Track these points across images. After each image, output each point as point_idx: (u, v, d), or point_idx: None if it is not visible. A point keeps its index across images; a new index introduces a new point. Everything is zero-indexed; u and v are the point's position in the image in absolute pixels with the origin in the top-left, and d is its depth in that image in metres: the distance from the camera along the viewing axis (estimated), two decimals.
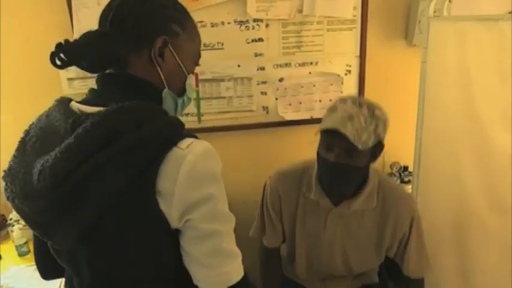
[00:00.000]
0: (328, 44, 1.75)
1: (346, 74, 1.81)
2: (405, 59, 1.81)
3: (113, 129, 0.63)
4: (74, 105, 0.72)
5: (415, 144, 1.53)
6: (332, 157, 1.12)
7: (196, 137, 0.71)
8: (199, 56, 0.83)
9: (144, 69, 0.73)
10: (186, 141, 0.67)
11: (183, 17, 0.78)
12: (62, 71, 1.63)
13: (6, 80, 1.67)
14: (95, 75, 0.75)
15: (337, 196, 1.24)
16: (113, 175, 0.63)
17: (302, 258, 1.35)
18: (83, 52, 0.69)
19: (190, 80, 0.81)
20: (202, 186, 0.67)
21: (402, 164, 1.92)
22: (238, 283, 0.71)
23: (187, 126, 0.73)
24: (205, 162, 0.67)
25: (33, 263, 0.89)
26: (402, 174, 1.91)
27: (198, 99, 0.96)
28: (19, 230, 1.55)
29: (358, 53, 1.78)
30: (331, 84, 1.81)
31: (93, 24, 0.75)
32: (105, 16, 0.73)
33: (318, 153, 1.19)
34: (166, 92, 0.76)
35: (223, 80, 1.75)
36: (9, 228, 1.62)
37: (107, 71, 0.74)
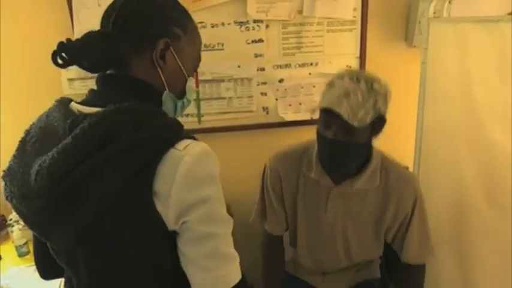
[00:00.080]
0: (328, 45, 1.75)
1: None
2: (405, 60, 1.81)
3: (111, 129, 0.63)
4: (74, 105, 0.72)
5: (415, 144, 1.53)
6: (330, 134, 1.11)
7: (194, 138, 0.70)
8: (199, 59, 0.83)
9: (145, 71, 0.73)
10: (184, 143, 0.67)
11: (185, 20, 0.78)
12: (62, 72, 1.65)
13: (6, 80, 1.67)
14: (96, 75, 0.75)
15: (339, 175, 1.22)
16: (111, 175, 0.62)
17: (303, 243, 1.33)
18: (85, 52, 0.69)
19: (191, 83, 0.81)
20: (199, 187, 0.66)
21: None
22: (235, 286, 0.71)
23: (187, 126, 0.73)
24: (202, 163, 0.67)
25: (33, 263, 0.89)
26: None
27: (198, 100, 0.97)
28: (19, 231, 1.55)
29: (358, 54, 1.78)
30: None
31: (93, 25, 0.75)
32: (108, 17, 0.73)
33: (317, 131, 1.17)
34: (166, 94, 0.76)
35: (223, 81, 1.75)
36: (9, 229, 1.62)
37: (108, 72, 0.74)
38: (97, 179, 0.62)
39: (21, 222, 1.52)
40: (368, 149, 1.20)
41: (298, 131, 1.84)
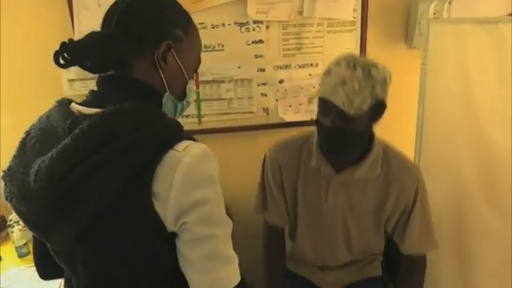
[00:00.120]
0: (328, 46, 1.75)
1: None
2: (405, 61, 1.80)
3: (110, 130, 0.63)
4: (74, 106, 0.72)
5: (415, 146, 1.53)
6: (328, 122, 1.10)
7: (194, 139, 0.70)
8: (199, 61, 0.84)
9: (146, 73, 0.74)
10: (183, 144, 0.67)
11: (186, 23, 0.78)
12: (62, 72, 1.65)
13: (6, 81, 1.67)
14: (96, 76, 0.75)
15: (339, 163, 1.21)
16: (111, 175, 0.63)
17: (304, 234, 1.32)
18: (86, 52, 0.69)
19: (191, 85, 0.82)
20: (197, 189, 0.66)
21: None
22: None
23: (187, 127, 0.73)
24: (201, 164, 0.67)
25: (33, 264, 0.89)
26: None
27: (198, 101, 0.97)
28: (19, 231, 1.55)
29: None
30: None
31: (94, 26, 0.75)
32: (110, 18, 0.73)
33: (316, 119, 1.16)
34: (167, 97, 0.76)
35: (223, 82, 1.75)
36: (9, 230, 1.62)
37: (108, 73, 0.74)
38: (97, 179, 0.62)
39: (21, 223, 1.52)
40: (368, 136, 1.18)
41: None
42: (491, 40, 1.28)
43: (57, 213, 0.64)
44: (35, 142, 0.69)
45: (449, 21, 1.43)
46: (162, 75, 0.75)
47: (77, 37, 0.70)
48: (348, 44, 1.76)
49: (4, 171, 0.69)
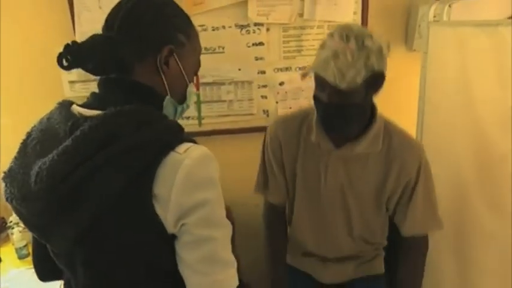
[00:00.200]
0: None
1: None
2: (405, 64, 1.81)
3: (111, 132, 0.64)
4: (75, 108, 0.72)
5: None
6: (324, 97, 1.08)
7: (194, 142, 0.71)
8: (199, 64, 0.85)
9: (147, 76, 0.74)
10: (184, 146, 0.67)
11: (188, 27, 0.79)
12: (63, 74, 1.65)
13: (6, 82, 1.67)
14: (97, 78, 0.75)
15: (339, 138, 1.18)
16: (111, 176, 0.63)
17: (304, 216, 1.30)
18: (88, 54, 0.70)
19: (191, 88, 0.82)
20: (198, 190, 0.67)
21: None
22: None
23: (187, 129, 0.73)
24: (202, 166, 0.67)
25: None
26: None
27: (198, 103, 0.97)
28: (19, 233, 1.55)
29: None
30: None
31: (95, 28, 0.76)
32: (112, 20, 0.73)
33: (314, 95, 1.14)
34: (168, 100, 0.77)
35: (223, 84, 1.76)
36: (9, 231, 1.62)
37: (110, 76, 0.75)
38: (97, 180, 0.63)
39: (22, 225, 1.52)
40: (368, 109, 1.15)
41: None
42: (491, 43, 1.28)
43: (58, 215, 0.64)
44: (35, 143, 0.69)
45: (449, 24, 1.43)
46: (164, 79, 0.75)
47: (78, 39, 0.70)
48: None
49: (4, 173, 0.69)
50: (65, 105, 0.73)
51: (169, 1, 0.78)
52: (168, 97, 0.76)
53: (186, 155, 0.66)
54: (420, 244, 1.28)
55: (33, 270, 0.89)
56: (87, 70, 0.71)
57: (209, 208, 0.68)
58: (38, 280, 0.90)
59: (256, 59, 1.74)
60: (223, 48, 1.71)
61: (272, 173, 1.33)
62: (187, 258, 0.69)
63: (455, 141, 1.43)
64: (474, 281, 1.46)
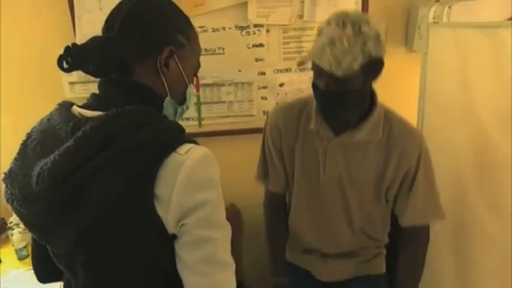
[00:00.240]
0: None
1: None
2: (405, 65, 1.81)
3: (112, 133, 0.64)
4: (75, 109, 0.72)
5: None
6: (322, 84, 1.08)
7: (195, 142, 0.71)
8: (199, 65, 0.85)
9: (148, 77, 0.74)
10: (185, 147, 0.68)
11: (188, 28, 0.79)
12: (63, 75, 1.65)
13: (6, 81, 1.67)
14: (97, 79, 0.76)
15: (339, 126, 1.17)
16: (111, 177, 0.63)
17: (303, 206, 1.30)
18: (88, 57, 0.70)
19: (191, 89, 0.83)
20: (199, 191, 0.67)
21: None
22: None
23: (187, 130, 0.73)
24: (203, 167, 0.68)
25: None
26: None
27: (198, 104, 0.97)
28: (19, 234, 1.55)
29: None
30: None
31: (95, 29, 0.76)
32: (112, 21, 0.74)
33: (312, 82, 1.14)
34: (168, 101, 0.77)
35: (223, 85, 1.76)
36: (9, 232, 1.62)
37: (110, 77, 0.75)
38: (98, 181, 0.63)
39: (22, 226, 1.52)
40: (367, 96, 1.14)
41: None
42: (491, 44, 1.28)
43: (59, 216, 0.65)
44: (36, 144, 0.69)
45: (449, 25, 1.44)
46: (164, 80, 0.75)
47: (78, 40, 0.71)
48: None
49: (5, 173, 0.69)
50: (65, 107, 0.73)
51: (169, 2, 0.79)
52: (168, 98, 0.77)
53: (187, 156, 0.66)
54: (421, 234, 1.27)
55: (32, 271, 0.89)
56: (87, 72, 0.71)
57: (209, 209, 0.68)
58: (37, 281, 0.90)
59: (256, 60, 1.74)
60: (223, 49, 1.71)
61: (272, 162, 1.33)
62: (187, 259, 0.69)
63: (456, 142, 1.43)
64: (474, 281, 1.46)
